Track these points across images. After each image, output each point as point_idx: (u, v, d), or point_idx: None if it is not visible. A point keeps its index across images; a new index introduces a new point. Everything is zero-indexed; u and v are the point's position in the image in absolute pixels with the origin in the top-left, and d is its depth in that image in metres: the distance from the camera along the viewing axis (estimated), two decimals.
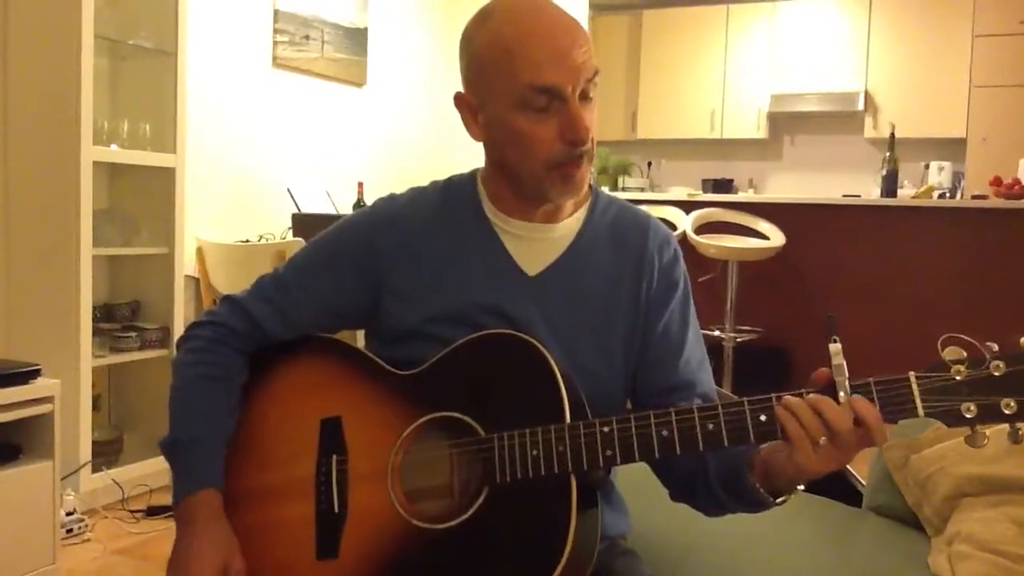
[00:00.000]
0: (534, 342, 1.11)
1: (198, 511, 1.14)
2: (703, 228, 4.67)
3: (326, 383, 1.21)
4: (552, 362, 1.09)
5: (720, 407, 1.01)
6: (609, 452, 1.04)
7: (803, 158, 7.10)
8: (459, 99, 1.19)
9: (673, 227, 4.69)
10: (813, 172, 6.96)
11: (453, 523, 1.07)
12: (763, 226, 4.66)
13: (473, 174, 1.28)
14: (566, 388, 1.08)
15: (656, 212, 4.83)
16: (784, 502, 1.08)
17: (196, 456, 1.18)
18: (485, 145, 1.20)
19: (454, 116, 1.21)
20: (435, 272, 1.21)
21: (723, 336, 4.63)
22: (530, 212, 1.21)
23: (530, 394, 1.09)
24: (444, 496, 1.11)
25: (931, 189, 4.75)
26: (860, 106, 6.58)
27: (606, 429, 1.05)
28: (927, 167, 6.04)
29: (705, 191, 5.91)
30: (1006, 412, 0.91)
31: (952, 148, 6.25)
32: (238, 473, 1.20)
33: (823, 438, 0.96)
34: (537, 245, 1.22)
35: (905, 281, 4.49)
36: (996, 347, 0.93)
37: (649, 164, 7.10)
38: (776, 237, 4.56)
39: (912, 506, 1.65)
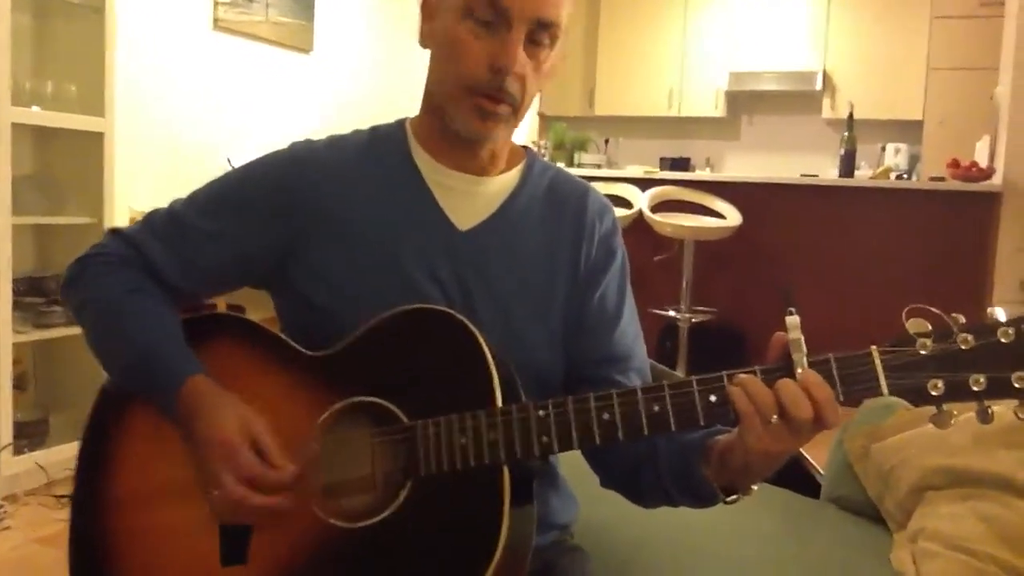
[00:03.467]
0: (460, 317, 1.01)
1: (197, 402, 1.01)
2: (659, 206, 4.59)
3: (230, 370, 1.07)
4: (481, 339, 0.99)
5: (666, 387, 0.92)
6: (545, 438, 0.94)
7: (761, 138, 7.06)
8: (424, 2, 1.12)
9: (629, 205, 4.60)
10: (770, 152, 6.92)
11: (374, 520, 0.96)
12: (720, 205, 4.59)
13: (401, 121, 1.18)
14: (497, 369, 0.97)
15: (612, 189, 4.76)
16: (736, 501, 0.97)
17: (163, 357, 1.05)
18: (428, 66, 1.11)
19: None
20: (357, 219, 1.10)
21: (679, 317, 4.56)
22: (462, 161, 1.12)
23: (458, 376, 0.99)
24: (365, 490, 1.00)
25: (889, 170, 4.71)
26: (818, 86, 6.55)
27: (541, 413, 0.95)
28: (883, 149, 6.03)
29: (662, 169, 5.84)
30: (975, 389, 0.82)
31: (909, 130, 6.24)
32: (133, 474, 1.07)
33: (775, 416, 0.87)
34: (470, 199, 1.14)
35: (862, 263, 4.45)
36: (963, 319, 0.85)
37: (606, 141, 7.02)
38: (733, 216, 4.50)
39: (873, 499, 1.56)
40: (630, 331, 1.19)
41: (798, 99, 6.76)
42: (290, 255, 1.11)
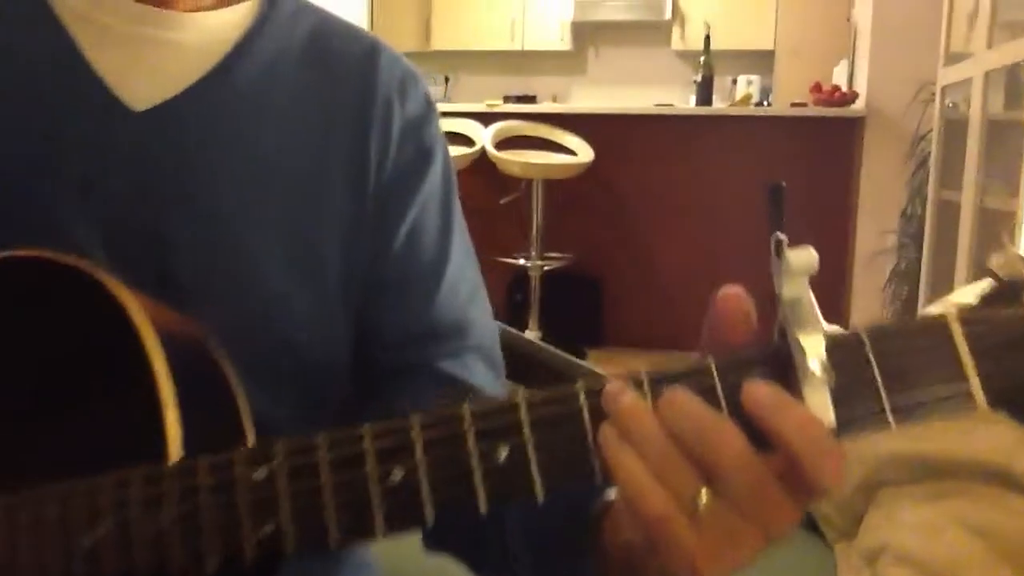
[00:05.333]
0: (96, 273, 0.53)
1: None
2: (504, 144, 4.13)
3: None
4: (135, 315, 0.51)
5: (522, 402, 0.43)
6: (269, 527, 0.44)
7: (609, 72, 6.70)
8: None
9: (471, 142, 4.12)
10: (620, 86, 6.57)
11: None
12: (570, 140, 4.18)
13: None
14: (177, 374, 0.50)
15: (451, 126, 4.24)
16: None
17: None
18: None
19: None
20: None
21: (529, 265, 4.13)
22: None
23: (91, 392, 0.52)
24: None
25: (748, 97, 4.39)
26: (667, 15, 6.21)
27: (258, 475, 0.45)
28: (735, 82, 5.77)
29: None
30: None
31: (761, 61, 6.00)
32: None
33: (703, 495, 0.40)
34: (153, 54, 0.65)
35: (724, 195, 4.12)
36: None
37: (447, 79, 6.52)
38: (584, 152, 4.10)
39: None
40: (464, 286, 0.72)
41: (647, 30, 6.42)
42: None
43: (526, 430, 0.42)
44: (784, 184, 0.41)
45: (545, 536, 0.56)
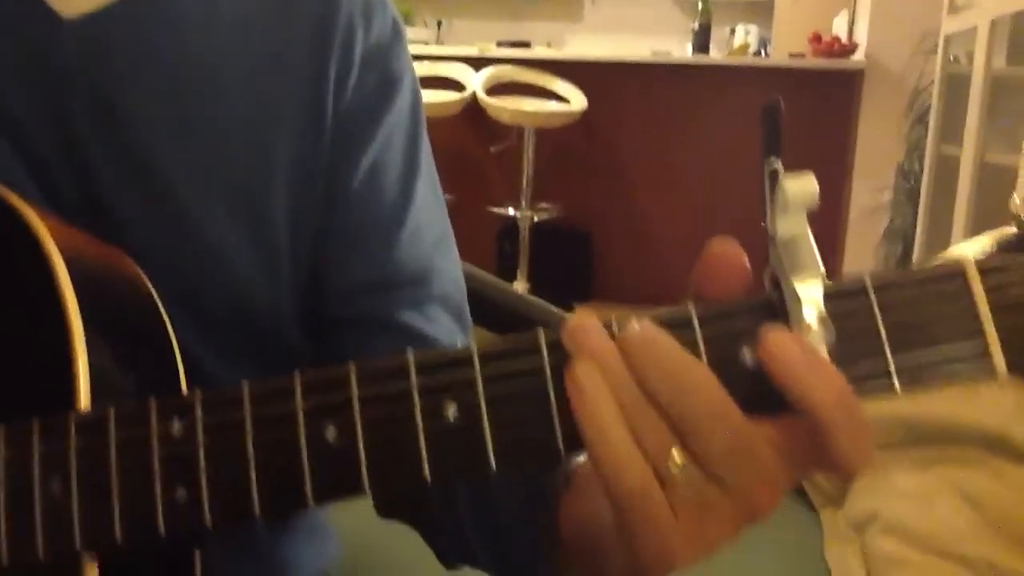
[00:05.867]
0: (13, 202, 0.48)
1: None
2: (496, 90, 4.03)
3: None
4: (51, 251, 0.46)
5: (475, 355, 0.38)
6: (181, 492, 0.40)
7: (604, 19, 6.53)
8: None
9: (461, 87, 4.02)
10: (615, 34, 6.41)
11: None
12: (563, 87, 4.08)
13: None
14: (91, 311, 0.45)
15: (441, 70, 4.15)
16: None
17: None
18: None
19: None
20: None
21: (519, 215, 4.04)
22: None
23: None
24: None
25: (746, 46, 4.29)
26: None
27: (177, 428, 0.40)
28: (733, 32, 5.65)
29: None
30: None
31: (760, 10, 5.85)
32: None
33: (675, 456, 0.35)
34: None
35: (718, 147, 4.04)
36: None
37: (439, 23, 6.36)
38: (577, 100, 4.00)
39: None
40: (428, 231, 0.65)
41: None
42: None
43: (479, 386, 0.37)
44: (781, 101, 0.35)
45: (498, 519, 0.51)
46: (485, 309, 0.83)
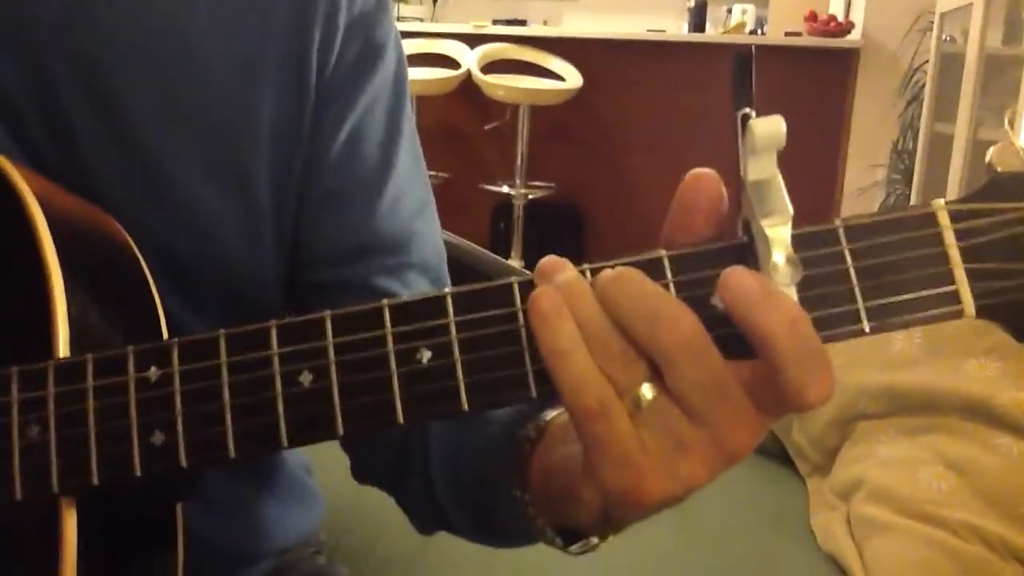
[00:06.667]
0: None
1: None
2: (490, 67, 4.01)
3: None
4: (32, 206, 0.46)
5: (449, 296, 0.38)
6: (160, 436, 0.40)
7: None
8: None
9: (456, 65, 4.01)
10: (611, 14, 6.38)
11: None
12: (558, 65, 4.07)
13: None
14: (70, 266, 0.45)
15: (435, 47, 4.13)
16: (585, 551, 0.45)
17: None
18: None
19: None
20: None
21: (513, 193, 4.04)
22: None
23: None
24: None
25: (742, 25, 4.27)
26: None
27: (153, 373, 0.40)
28: (730, 12, 5.63)
29: None
30: None
31: None
32: None
33: (646, 390, 0.36)
34: None
35: (712, 125, 4.02)
36: None
37: (435, 1, 6.33)
38: (573, 78, 3.99)
39: (777, 432, 1.08)
40: (408, 199, 0.65)
41: None
42: None
43: (452, 329, 0.37)
44: (753, 50, 0.35)
45: (469, 466, 0.52)
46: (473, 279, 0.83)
